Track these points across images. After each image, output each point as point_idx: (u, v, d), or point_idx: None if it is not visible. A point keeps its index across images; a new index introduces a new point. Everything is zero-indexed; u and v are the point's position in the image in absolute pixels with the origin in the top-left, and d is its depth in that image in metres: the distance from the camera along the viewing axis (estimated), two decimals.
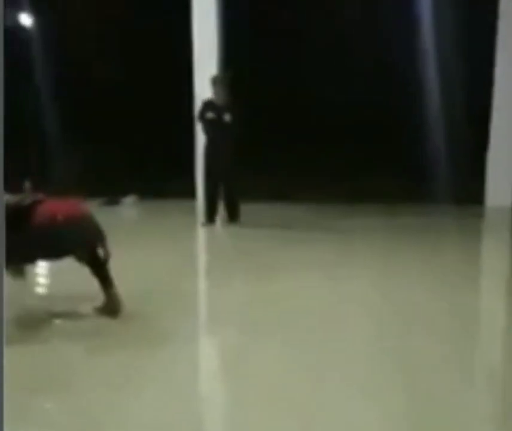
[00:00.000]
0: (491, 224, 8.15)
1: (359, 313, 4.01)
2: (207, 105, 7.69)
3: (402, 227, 7.62)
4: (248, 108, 7.53)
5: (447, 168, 9.13)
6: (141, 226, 8.45)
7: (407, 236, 7.00)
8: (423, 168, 9.20)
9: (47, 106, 11.92)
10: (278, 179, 9.82)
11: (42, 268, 5.08)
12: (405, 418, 2.55)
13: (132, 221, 9.26)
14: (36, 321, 3.86)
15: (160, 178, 10.19)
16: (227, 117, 7.56)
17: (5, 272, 3.63)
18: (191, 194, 9.45)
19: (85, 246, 3.78)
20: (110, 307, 3.87)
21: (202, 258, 6.57)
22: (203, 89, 8.29)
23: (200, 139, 8.49)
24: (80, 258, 3.81)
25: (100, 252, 3.82)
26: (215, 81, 7.72)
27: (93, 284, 3.86)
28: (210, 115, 7.63)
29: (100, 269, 3.85)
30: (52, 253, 3.77)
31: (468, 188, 8.92)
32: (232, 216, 7.77)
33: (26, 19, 12.86)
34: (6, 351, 3.30)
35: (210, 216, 7.76)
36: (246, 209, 7.83)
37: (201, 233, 7.68)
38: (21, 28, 12.89)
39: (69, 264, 3.85)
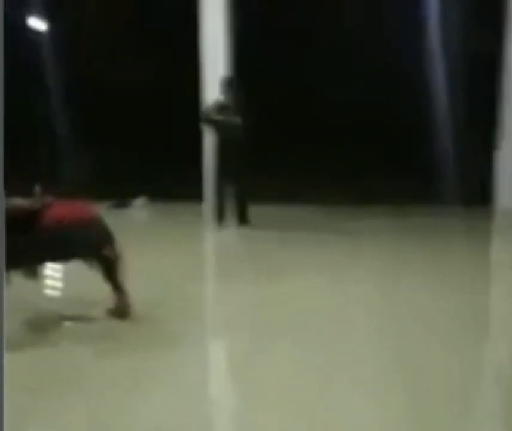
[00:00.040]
0: (500, 225, 8.11)
1: (367, 315, 4.01)
2: (216, 107, 7.70)
3: (411, 228, 7.60)
4: (257, 110, 7.53)
5: (455, 169, 9.10)
6: (151, 228, 8.48)
7: (415, 237, 6.98)
8: (432, 169, 9.17)
9: (58, 109, 11.98)
10: (287, 181, 9.82)
11: (54, 270, 5.11)
12: (413, 419, 2.56)
13: (142, 223, 9.29)
14: (46, 324, 3.89)
15: (170, 180, 10.21)
16: (236, 119, 7.57)
17: (15, 273, 3.68)
18: (201, 196, 9.47)
19: (93, 249, 3.80)
20: (121, 310, 3.90)
21: (211, 260, 6.59)
22: (211, 91, 8.30)
23: (208, 141, 8.50)
24: (88, 261, 3.84)
25: (110, 255, 3.84)
26: (224, 83, 7.74)
27: (103, 287, 3.88)
28: (218, 116, 7.64)
29: (110, 271, 3.87)
30: (60, 255, 3.81)
31: (476, 189, 8.88)
32: (242, 218, 7.78)
33: (38, 23, 12.94)
34: (16, 353, 3.35)
35: (219, 218, 7.77)
36: (256, 211, 7.83)
37: (211, 235, 7.69)
38: (33, 31, 12.97)
39: (81, 267, 3.88)
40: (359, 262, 5.68)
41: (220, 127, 7.68)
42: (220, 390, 3.05)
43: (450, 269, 5.35)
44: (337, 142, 10.17)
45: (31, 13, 12.70)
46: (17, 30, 12.31)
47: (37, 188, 4.10)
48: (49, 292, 4.80)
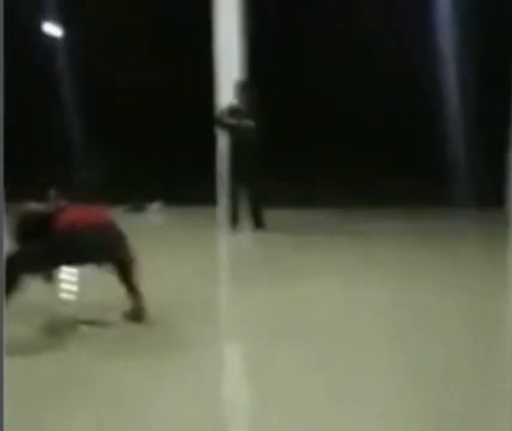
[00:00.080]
0: None
1: (382, 319, 3.99)
2: (230, 110, 7.72)
3: (424, 231, 7.54)
4: (270, 113, 7.53)
5: (468, 171, 9.04)
6: (166, 232, 8.50)
7: (429, 240, 6.92)
8: (445, 171, 9.12)
9: (74, 115, 12.06)
10: (302, 185, 9.81)
11: (69, 274, 5.14)
12: (422, 418, 2.54)
13: (157, 227, 9.32)
14: (62, 327, 3.91)
15: (185, 184, 10.23)
16: (249, 122, 7.57)
17: (31, 277, 3.70)
18: (216, 200, 9.49)
19: (107, 253, 3.81)
20: (136, 314, 3.91)
21: (226, 264, 6.59)
22: (226, 94, 8.31)
23: (222, 145, 8.51)
24: (101, 265, 3.85)
25: (123, 257, 3.85)
26: (238, 86, 7.76)
27: (119, 290, 3.90)
28: (232, 120, 7.65)
29: (124, 274, 3.88)
30: (74, 260, 3.83)
31: (489, 191, 8.78)
32: (257, 222, 7.77)
33: (53, 29, 13.04)
34: (32, 357, 3.37)
35: (234, 222, 7.77)
36: (271, 215, 7.83)
37: (226, 238, 7.70)
38: (48, 38, 13.07)
39: (96, 270, 3.89)
40: (373, 265, 5.66)
41: (233, 131, 7.69)
42: (234, 393, 3.05)
43: (463, 272, 5.32)
44: (351, 145, 10.15)
45: (46, 19, 12.80)
46: (33, 36, 12.43)
47: (53, 193, 4.14)
48: (65, 296, 4.83)
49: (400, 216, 8.50)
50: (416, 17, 10.08)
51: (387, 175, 9.77)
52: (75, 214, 3.80)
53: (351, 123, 10.47)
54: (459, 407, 2.67)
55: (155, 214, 10.19)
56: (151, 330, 3.80)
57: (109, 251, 3.82)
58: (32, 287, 3.76)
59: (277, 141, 8.36)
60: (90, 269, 3.89)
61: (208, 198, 8.98)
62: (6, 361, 3.07)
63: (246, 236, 7.69)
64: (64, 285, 4.90)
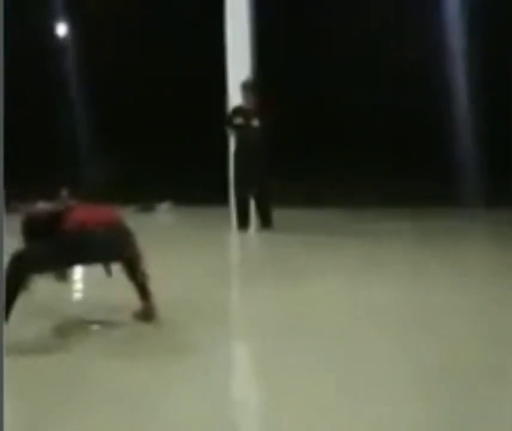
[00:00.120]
0: None
1: (387, 319, 3.98)
2: (236, 111, 7.73)
3: (432, 230, 7.51)
4: (280, 113, 7.53)
5: (477, 170, 9.00)
6: (175, 233, 8.52)
7: (437, 240, 6.90)
8: (453, 170, 9.09)
9: (83, 115, 12.11)
10: (310, 185, 9.81)
11: (79, 273, 5.15)
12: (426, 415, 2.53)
13: (166, 227, 9.35)
14: (72, 327, 3.92)
15: (195, 184, 10.25)
16: (256, 123, 7.58)
17: (43, 276, 3.72)
18: (226, 200, 9.51)
19: (115, 253, 3.81)
20: (146, 313, 3.90)
21: (234, 265, 6.60)
22: (236, 95, 8.31)
23: (233, 145, 8.52)
24: (109, 264, 3.84)
25: (131, 256, 3.84)
26: (245, 87, 7.76)
27: (128, 290, 3.90)
28: (239, 120, 7.66)
29: (132, 272, 3.87)
30: (82, 260, 3.84)
31: (498, 191, 8.73)
32: (265, 222, 7.76)
33: (60, 28, 13.11)
34: (43, 357, 3.38)
35: (242, 222, 7.76)
36: (279, 214, 7.82)
37: (235, 239, 7.70)
38: (55, 37, 13.13)
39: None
40: (380, 265, 5.66)
41: (240, 131, 7.70)
42: (243, 393, 3.04)
43: (469, 272, 5.30)
44: (359, 145, 10.14)
45: (52, 17, 12.85)
46: (41, 36, 12.47)
47: (64, 192, 4.15)
48: (74, 295, 4.85)
49: (407, 216, 8.47)
50: (424, 16, 10.06)
51: (395, 174, 9.76)
52: (84, 213, 3.81)
53: (358, 123, 10.48)
54: (464, 407, 2.65)
55: (165, 214, 10.21)
56: (160, 330, 3.81)
57: (117, 251, 3.82)
58: (41, 286, 3.77)
59: (284, 141, 8.36)
60: (99, 269, 3.89)
61: (219, 198, 8.99)
62: (14, 361, 3.09)
63: (255, 236, 7.69)
64: (73, 285, 4.91)
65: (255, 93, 7.70)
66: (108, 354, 3.40)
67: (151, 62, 11.78)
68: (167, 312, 3.95)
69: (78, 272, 5.08)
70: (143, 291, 3.90)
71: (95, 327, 3.97)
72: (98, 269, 3.88)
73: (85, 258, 3.82)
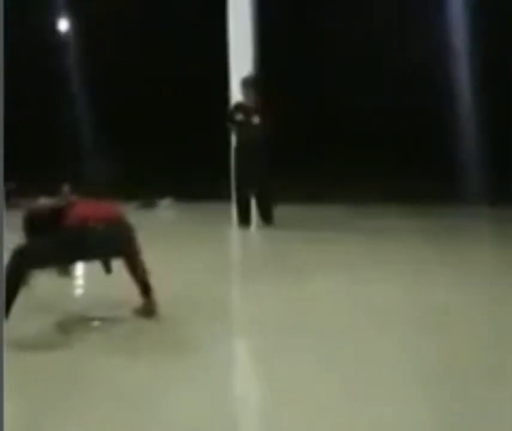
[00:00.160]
0: None
1: (390, 318, 3.98)
2: (237, 107, 7.73)
3: (436, 229, 7.47)
4: (281, 113, 7.51)
5: (480, 169, 8.99)
6: (176, 229, 8.52)
7: (441, 238, 6.86)
8: (457, 169, 9.08)
9: (85, 111, 12.11)
10: (313, 181, 9.80)
11: (80, 269, 5.15)
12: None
13: (168, 223, 9.34)
14: (73, 323, 3.92)
15: (196, 180, 10.26)
16: (256, 120, 7.57)
17: (45, 271, 3.72)
18: (227, 196, 9.52)
19: (116, 249, 3.81)
20: (147, 309, 3.90)
21: (235, 261, 6.60)
22: (239, 95, 8.31)
23: (234, 141, 8.52)
24: (108, 262, 3.84)
25: (131, 251, 3.84)
26: (245, 83, 7.75)
27: (130, 286, 3.90)
28: (239, 117, 7.66)
29: (134, 269, 3.87)
30: (83, 256, 3.84)
31: (501, 189, 8.71)
32: (266, 218, 7.75)
33: (62, 24, 13.11)
34: (46, 353, 3.38)
35: (243, 219, 7.76)
36: (280, 210, 7.82)
37: (235, 235, 7.70)
38: (57, 33, 13.13)
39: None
40: (383, 263, 5.65)
41: (240, 128, 7.70)
42: (243, 389, 3.05)
43: (473, 271, 5.29)
44: (362, 142, 10.13)
45: (54, 14, 12.85)
46: (44, 33, 12.48)
47: (65, 188, 4.15)
48: (75, 291, 4.85)
49: (411, 214, 8.44)
50: (427, 16, 10.06)
51: (398, 173, 9.76)
52: (85, 209, 3.80)
53: (362, 120, 10.47)
54: (464, 407, 2.65)
55: (166, 210, 10.20)
56: (160, 326, 3.81)
57: (119, 246, 3.82)
58: (42, 282, 3.78)
59: (287, 140, 8.36)
60: (99, 265, 3.89)
61: (220, 194, 8.99)
62: (15, 357, 3.10)
63: (256, 232, 7.69)
64: (74, 281, 4.91)
65: (255, 90, 7.69)
66: (109, 350, 3.40)
67: (153, 61, 11.78)
68: (167, 308, 3.95)
69: (78, 267, 5.07)
70: (144, 287, 3.90)
71: (96, 323, 3.98)
72: (98, 265, 3.88)
73: (86, 254, 3.82)
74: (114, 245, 3.81)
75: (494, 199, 8.36)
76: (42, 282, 3.77)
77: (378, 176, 9.65)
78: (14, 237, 3.65)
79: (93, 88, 11.84)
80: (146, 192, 10.28)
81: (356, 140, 10.15)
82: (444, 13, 10.00)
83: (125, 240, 3.84)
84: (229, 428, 2.54)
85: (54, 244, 3.62)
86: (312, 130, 10.59)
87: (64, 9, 12.75)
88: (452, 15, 9.93)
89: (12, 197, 7.14)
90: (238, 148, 7.83)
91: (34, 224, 3.79)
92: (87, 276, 5.12)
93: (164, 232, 7.95)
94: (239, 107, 7.73)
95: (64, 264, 3.89)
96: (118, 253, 3.83)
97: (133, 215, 4.30)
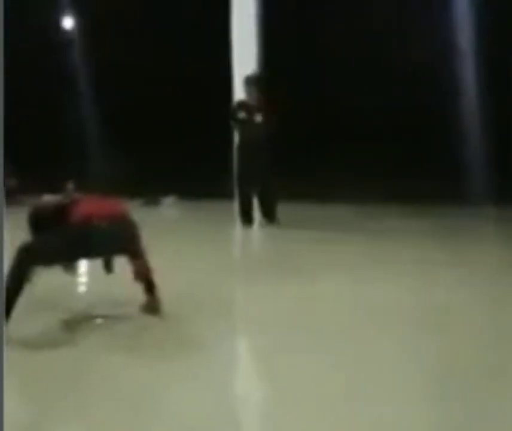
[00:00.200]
0: None
1: (394, 318, 3.98)
2: (240, 105, 7.74)
3: (441, 229, 7.48)
4: (283, 112, 7.52)
5: (484, 169, 8.98)
6: (179, 227, 8.53)
7: (446, 238, 6.87)
8: (461, 169, 9.08)
9: (89, 109, 12.13)
10: (317, 180, 9.81)
11: (84, 266, 5.17)
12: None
13: (171, 221, 9.36)
14: (77, 321, 3.94)
15: (200, 178, 10.27)
16: (259, 118, 7.58)
17: (48, 269, 3.74)
18: (230, 194, 9.55)
19: (120, 246, 3.82)
20: (151, 306, 3.92)
21: (238, 259, 6.61)
22: (242, 94, 8.33)
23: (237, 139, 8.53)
24: (110, 261, 3.85)
25: (136, 249, 3.86)
26: (248, 81, 7.76)
27: (134, 283, 3.91)
28: (242, 115, 7.67)
29: (139, 269, 3.88)
30: (87, 253, 3.85)
31: (505, 189, 8.70)
32: (269, 217, 7.76)
33: (67, 22, 13.12)
34: (51, 351, 3.40)
35: (245, 218, 7.77)
36: (284, 209, 7.82)
37: (239, 233, 7.71)
38: (63, 31, 13.14)
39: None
40: (388, 263, 5.65)
41: (243, 126, 7.71)
42: (246, 388, 3.06)
43: (478, 271, 5.29)
44: (366, 141, 10.14)
45: (59, 12, 12.86)
46: (48, 31, 12.49)
47: (70, 185, 4.18)
48: (79, 288, 4.87)
49: (414, 214, 8.45)
50: (430, 15, 10.05)
51: (399, 171, 9.75)
52: (89, 206, 3.81)
53: (367, 120, 10.47)
54: (464, 407, 2.66)
55: (169, 208, 10.22)
56: (164, 324, 3.82)
57: (123, 244, 3.83)
58: (45, 279, 3.79)
59: (290, 139, 8.37)
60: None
61: (224, 192, 9.01)
62: (18, 354, 3.12)
63: (258, 231, 7.70)
64: (77, 278, 4.93)
65: (258, 89, 7.69)
66: (113, 348, 3.41)
67: (157, 60, 11.80)
68: (171, 306, 3.97)
69: (82, 265, 5.10)
70: (148, 285, 3.91)
71: (99, 320, 3.99)
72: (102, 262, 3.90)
73: (90, 251, 3.83)
74: (118, 242, 3.82)
75: (496, 199, 8.36)
76: (44, 280, 3.78)
77: (379, 176, 9.65)
78: (20, 234, 3.67)
79: (98, 86, 11.86)
80: (149, 190, 10.30)
81: (357, 140, 10.16)
82: (445, 12, 10.00)
83: (129, 238, 3.86)
84: (232, 427, 2.56)
85: (59, 241, 3.63)
86: (312, 130, 10.60)
87: (67, 4, 12.77)
88: (453, 14, 9.92)
89: (16, 195, 7.18)
90: (240, 147, 7.85)
91: (39, 222, 3.81)
92: (91, 273, 5.14)
93: (168, 230, 7.97)
94: (242, 105, 7.75)
95: (68, 262, 3.90)
96: (122, 251, 3.85)
97: (137, 212, 4.32)
